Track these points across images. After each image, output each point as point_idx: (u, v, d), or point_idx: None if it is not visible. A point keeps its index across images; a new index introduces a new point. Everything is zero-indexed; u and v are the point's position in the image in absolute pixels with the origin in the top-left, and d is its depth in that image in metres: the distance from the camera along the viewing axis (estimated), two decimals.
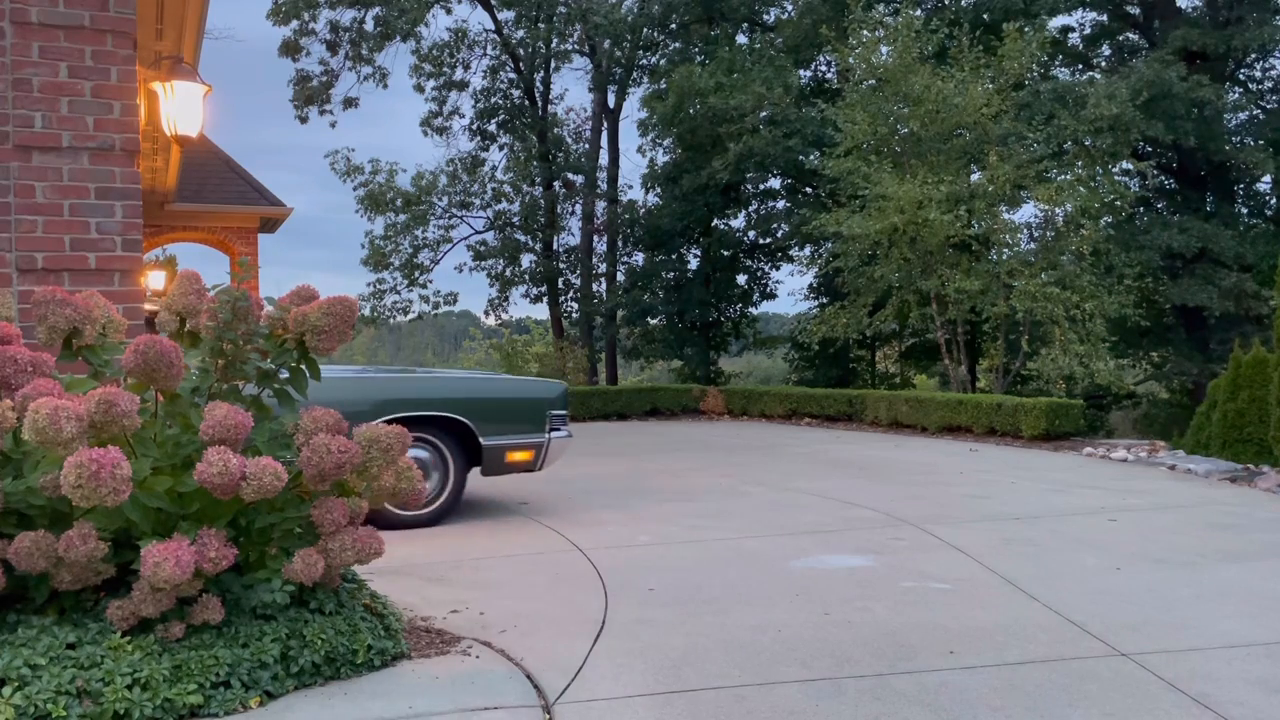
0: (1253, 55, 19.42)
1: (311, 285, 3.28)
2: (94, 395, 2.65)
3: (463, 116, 22.45)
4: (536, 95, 22.01)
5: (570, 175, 21.83)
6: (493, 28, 21.58)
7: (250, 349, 3.20)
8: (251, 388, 3.29)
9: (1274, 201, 20.04)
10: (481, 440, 5.77)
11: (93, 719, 2.52)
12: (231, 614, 2.93)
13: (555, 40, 21.33)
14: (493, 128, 22.23)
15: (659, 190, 21.26)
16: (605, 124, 22.21)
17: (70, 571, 2.80)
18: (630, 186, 22.66)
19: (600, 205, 22.02)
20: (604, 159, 22.24)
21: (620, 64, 21.57)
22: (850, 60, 14.46)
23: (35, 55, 3.98)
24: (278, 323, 3.23)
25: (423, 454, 5.73)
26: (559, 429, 6.06)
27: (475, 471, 6.00)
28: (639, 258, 22.18)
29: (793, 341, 21.89)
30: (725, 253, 21.29)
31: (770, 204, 21.57)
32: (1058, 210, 13.34)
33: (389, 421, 5.20)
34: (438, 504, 5.72)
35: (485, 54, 22.11)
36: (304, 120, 21.77)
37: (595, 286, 22.18)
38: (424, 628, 3.53)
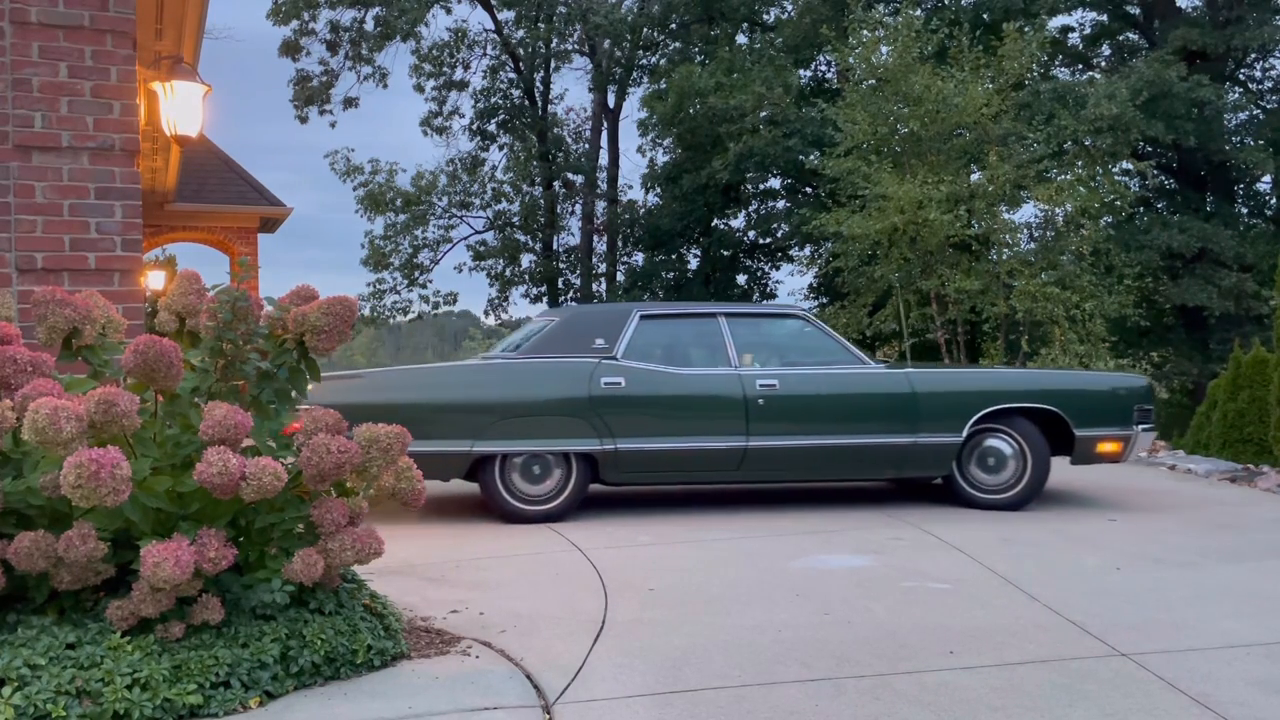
0: (1253, 55, 19.43)
1: (311, 285, 3.28)
2: (94, 395, 2.65)
3: (463, 116, 22.49)
4: (536, 95, 22.02)
5: (570, 175, 21.84)
6: (493, 28, 21.61)
7: (250, 349, 3.20)
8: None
9: (1274, 201, 20.05)
10: (1075, 431, 6.03)
11: (93, 719, 2.52)
12: (231, 614, 2.93)
13: (555, 40, 21.34)
14: (493, 128, 22.24)
15: (659, 190, 21.27)
16: (605, 124, 22.22)
17: (70, 571, 2.80)
18: (630, 186, 22.70)
19: (600, 205, 22.03)
20: (604, 159, 22.26)
21: (620, 64, 21.58)
22: (850, 60, 14.46)
23: (35, 55, 3.98)
24: (277, 323, 3.23)
25: (1001, 444, 6.09)
26: (1145, 423, 6.22)
27: None
28: (639, 258, 22.20)
29: None
30: (725, 253, 21.29)
31: (770, 204, 21.58)
32: (1058, 210, 13.33)
33: (994, 412, 6.06)
34: (1017, 489, 6.04)
35: (485, 54, 22.14)
36: (304, 120, 21.79)
37: (595, 286, 22.19)
38: (424, 628, 3.53)
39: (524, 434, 5.80)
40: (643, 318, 6.14)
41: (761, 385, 5.93)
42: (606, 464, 5.84)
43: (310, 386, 5.87)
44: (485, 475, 5.85)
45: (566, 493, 5.87)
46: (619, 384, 5.85)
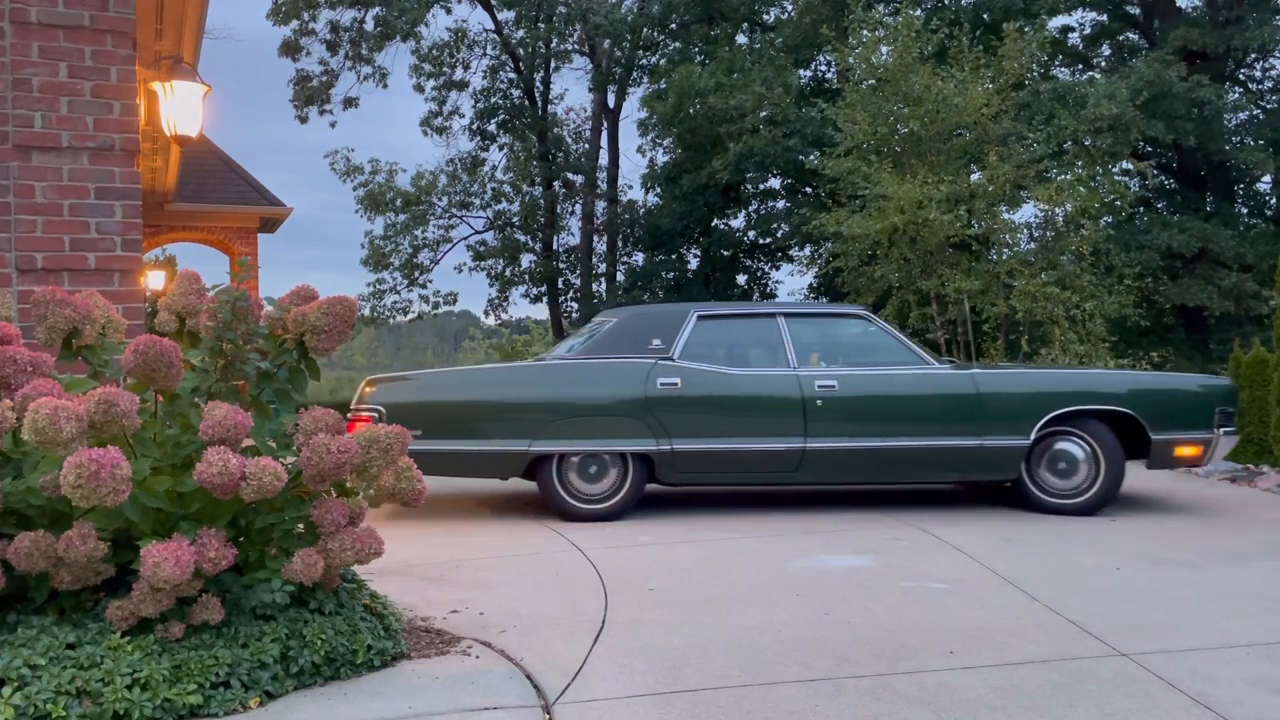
0: (1253, 55, 19.42)
1: (311, 285, 3.28)
2: (94, 395, 2.65)
3: (463, 116, 22.47)
4: (536, 95, 22.01)
5: (570, 175, 21.84)
6: (493, 28, 21.60)
7: (250, 349, 3.20)
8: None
9: (1274, 201, 20.04)
10: (1151, 434, 5.89)
11: (93, 719, 2.52)
12: (231, 614, 2.93)
13: (555, 40, 21.33)
14: (493, 128, 22.23)
15: (659, 190, 21.25)
16: (605, 124, 22.21)
17: (70, 571, 2.80)
18: (630, 186, 22.69)
19: (600, 205, 22.02)
20: (604, 159, 22.25)
21: (620, 64, 21.57)
22: (850, 60, 14.45)
23: (35, 55, 3.98)
24: (277, 323, 3.23)
25: (1072, 447, 5.96)
26: (1227, 426, 6.05)
27: None
28: (639, 258, 22.18)
29: None
30: (725, 253, 21.28)
31: (770, 204, 21.57)
32: (1058, 210, 13.32)
33: (1066, 414, 5.90)
34: (1089, 494, 5.90)
35: (485, 54, 22.12)
36: (304, 120, 21.78)
37: (595, 286, 22.18)
38: (424, 628, 3.53)
39: (581, 434, 5.84)
40: (700, 318, 6.14)
41: (820, 386, 5.89)
42: (663, 464, 5.86)
43: (370, 389, 6.00)
44: (543, 474, 5.91)
45: (623, 492, 5.91)
46: (675, 384, 5.87)
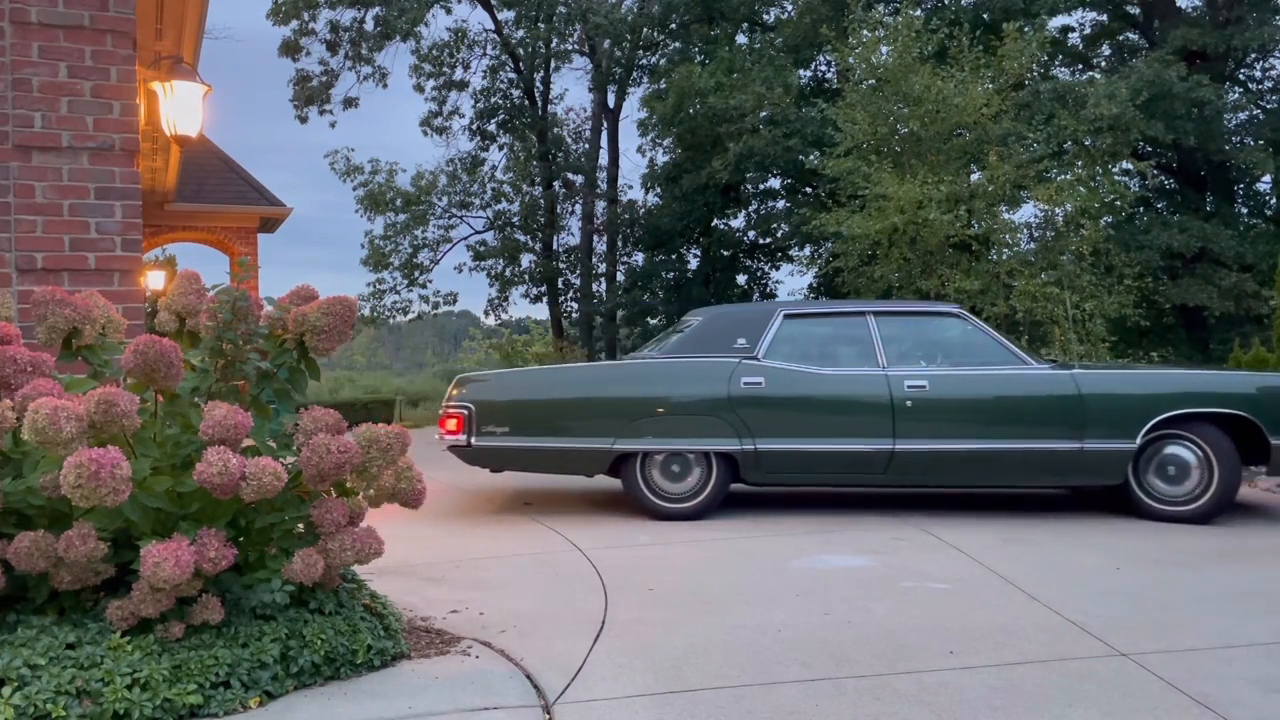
0: (1253, 55, 19.41)
1: (311, 285, 3.28)
2: (94, 395, 2.65)
3: (463, 116, 22.47)
4: (536, 95, 22.01)
5: (570, 175, 21.84)
6: (492, 28, 21.59)
7: (250, 349, 3.20)
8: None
9: (1274, 201, 20.04)
10: (1270, 439, 5.56)
11: (93, 719, 2.52)
12: (231, 614, 2.93)
13: (555, 40, 21.32)
14: (493, 128, 22.23)
15: (659, 190, 21.25)
16: (605, 124, 22.20)
17: (70, 571, 2.80)
18: (630, 186, 22.69)
19: (600, 205, 22.02)
20: (604, 159, 22.24)
21: (620, 64, 21.57)
22: (850, 60, 14.45)
23: (35, 55, 3.98)
24: (277, 323, 3.23)
25: (1183, 452, 5.69)
26: None
27: None
28: (639, 258, 22.19)
29: None
30: (725, 253, 21.28)
31: (770, 204, 21.57)
32: (1058, 210, 13.33)
33: (1177, 416, 5.59)
34: (1201, 501, 5.62)
35: (485, 54, 22.11)
36: (304, 120, 21.78)
37: (595, 286, 22.18)
38: (424, 628, 3.53)
39: (663, 433, 5.86)
40: (787, 317, 6.11)
41: (910, 386, 5.78)
42: (746, 464, 5.85)
43: (458, 389, 6.10)
44: (626, 473, 5.95)
45: (707, 492, 5.92)
46: (759, 384, 5.85)
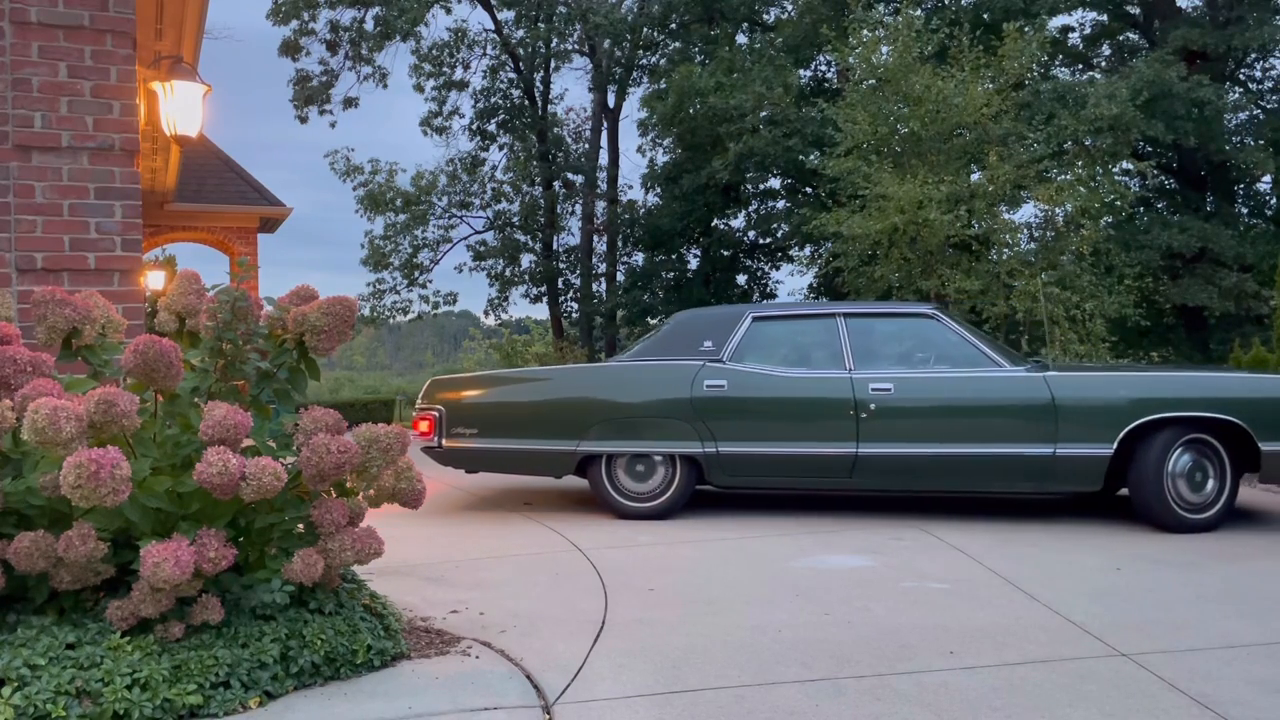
0: (1253, 55, 19.41)
1: (311, 285, 3.28)
2: (93, 395, 2.65)
3: (463, 116, 22.48)
4: (536, 95, 22.01)
5: (570, 175, 21.84)
6: (492, 28, 21.59)
7: (250, 349, 3.20)
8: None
9: (1274, 201, 20.03)
10: (1261, 446, 5.29)
11: (93, 719, 2.52)
12: (231, 614, 2.93)
13: (555, 40, 21.32)
14: (493, 128, 22.23)
15: (659, 190, 21.25)
16: (605, 124, 22.20)
17: (70, 571, 2.80)
18: (630, 186, 22.69)
19: (600, 205, 22.02)
20: (604, 159, 22.25)
21: (620, 64, 21.57)
22: (850, 60, 14.45)
23: (35, 55, 3.98)
24: (277, 323, 3.23)
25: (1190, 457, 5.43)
26: None
27: None
28: (639, 258, 22.18)
29: None
30: (725, 253, 21.28)
31: (770, 204, 21.57)
32: (1058, 210, 13.33)
33: (1159, 420, 5.32)
34: (1213, 511, 5.40)
35: (485, 54, 22.12)
36: (304, 120, 21.78)
37: (595, 286, 22.18)
38: (424, 628, 3.53)
39: (626, 435, 5.90)
40: (755, 319, 6.09)
41: (874, 389, 5.68)
42: (710, 466, 5.85)
43: (431, 390, 6.21)
44: (592, 473, 6.00)
45: (670, 493, 5.95)
46: (721, 386, 5.85)
